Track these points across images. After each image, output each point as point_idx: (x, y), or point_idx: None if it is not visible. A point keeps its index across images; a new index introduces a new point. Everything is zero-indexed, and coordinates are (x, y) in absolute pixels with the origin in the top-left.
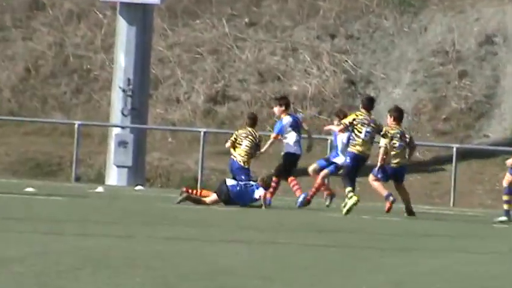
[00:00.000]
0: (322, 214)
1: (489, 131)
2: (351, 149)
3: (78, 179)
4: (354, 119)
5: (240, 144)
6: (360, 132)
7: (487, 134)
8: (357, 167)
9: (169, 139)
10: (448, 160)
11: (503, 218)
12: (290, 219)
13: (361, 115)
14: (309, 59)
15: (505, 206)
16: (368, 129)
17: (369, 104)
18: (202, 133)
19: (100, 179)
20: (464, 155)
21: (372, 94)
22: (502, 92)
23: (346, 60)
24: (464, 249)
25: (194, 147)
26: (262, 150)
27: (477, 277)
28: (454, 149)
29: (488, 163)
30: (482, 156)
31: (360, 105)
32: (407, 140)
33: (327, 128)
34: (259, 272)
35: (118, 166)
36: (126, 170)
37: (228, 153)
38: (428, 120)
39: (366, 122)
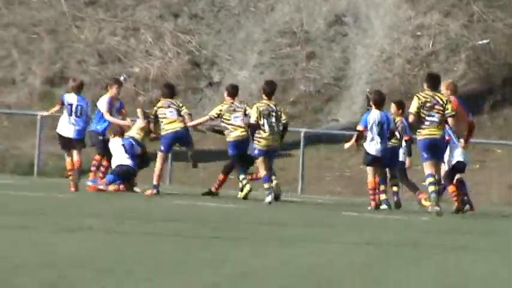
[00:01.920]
0: (166, 203)
1: (338, 115)
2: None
3: None
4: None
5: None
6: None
7: (336, 118)
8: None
9: (5, 123)
10: (295, 145)
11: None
12: (135, 207)
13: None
14: (151, 39)
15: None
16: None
17: (234, 91)
18: (39, 117)
19: None
20: (313, 139)
21: (217, 76)
22: (352, 74)
23: (190, 41)
24: (315, 239)
25: (31, 132)
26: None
27: (326, 268)
28: (302, 134)
29: (338, 148)
30: (331, 141)
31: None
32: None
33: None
34: (98, 263)
35: None
36: None
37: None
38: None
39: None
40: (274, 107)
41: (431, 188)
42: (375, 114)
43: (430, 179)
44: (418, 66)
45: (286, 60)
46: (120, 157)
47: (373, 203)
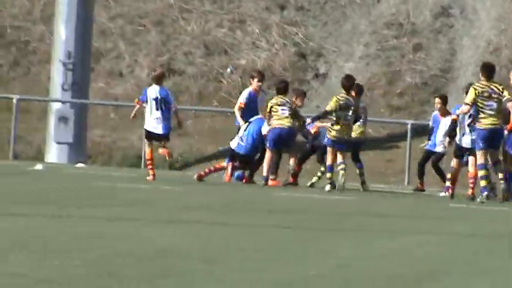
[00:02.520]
0: (274, 193)
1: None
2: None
3: (16, 156)
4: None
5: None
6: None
7: None
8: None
9: (112, 115)
10: (402, 137)
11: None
12: (239, 198)
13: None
14: (257, 31)
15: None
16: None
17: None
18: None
19: (39, 156)
20: (419, 131)
21: (323, 68)
22: (458, 66)
23: (297, 33)
24: (419, 231)
25: (138, 123)
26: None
27: (428, 260)
28: (409, 126)
29: None
30: None
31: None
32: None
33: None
34: (203, 254)
35: (58, 143)
36: (66, 146)
37: (171, 130)
38: (382, 95)
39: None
40: (352, 101)
41: (483, 183)
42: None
43: (483, 172)
44: None
45: (393, 52)
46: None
47: (471, 191)
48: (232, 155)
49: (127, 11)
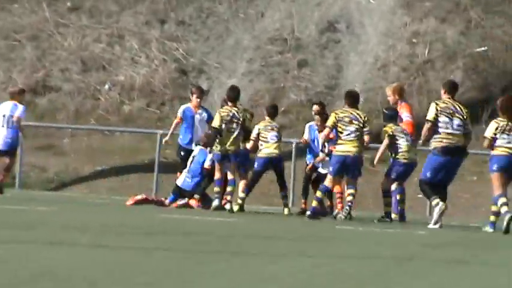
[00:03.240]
0: (156, 215)
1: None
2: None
3: None
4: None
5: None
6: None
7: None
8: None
9: None
10: (286, 156)
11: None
12: (118, 220)
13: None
14: (136, 46)
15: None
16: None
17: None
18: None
19: None
20: (304, 150)
21: (205, 84)
22: (345, 82)
23: (177, 48)
24: (303, 253)
25: None
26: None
27: (312, 285)
28: (293, 145)
29: None
30: None
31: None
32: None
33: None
34: (84, 276)
35: None
36: None
37: (46, 149)
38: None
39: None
40: (237, 114)
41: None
42: None
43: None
44: (413, 74)
45: (277, 68)
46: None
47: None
48: (177, 192)
49: (1, 26)
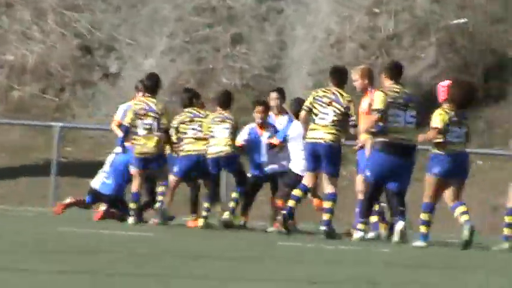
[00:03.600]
0: (53, 229)
1: None
2: None
3: None
4: None
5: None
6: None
7: None
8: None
9: None
10: None
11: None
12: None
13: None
14: (29, 18)
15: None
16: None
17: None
18: None
19: None
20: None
21: (115, 66)
22: (289, 63)
23: (79, 20)
24: (242, 276)
25: None
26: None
27: None
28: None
29: None
30: None
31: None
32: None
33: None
34: None
35: None
36: None
37: None
38: None
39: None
40: (154, 107)
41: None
42: None
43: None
44: (375, 52)
45: (205, 45)
46: None
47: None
48: (94, 196)
49: None
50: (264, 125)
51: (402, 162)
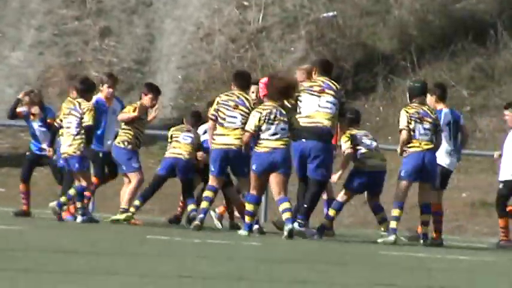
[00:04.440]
0: None
1: None
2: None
3: None
4: None
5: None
6: None
7: None
8: None
9: None
10: None
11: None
12: None
13: None
14: None
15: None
16: None
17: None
18: None
19: None
20: None
21: None
22: (158, 56)
23: None
24: (111, 271)
25: None
26: None
27: None
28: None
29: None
30: None
31: None
32: None
33: None
34: None
35: None
36: None
37: None
38: (59, 94)
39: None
40: (78, 107)
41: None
42: None
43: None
44: (244, 45)
45: (73, 38)
46: None
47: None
48: None
49: None
50: None
51: (315, 145)
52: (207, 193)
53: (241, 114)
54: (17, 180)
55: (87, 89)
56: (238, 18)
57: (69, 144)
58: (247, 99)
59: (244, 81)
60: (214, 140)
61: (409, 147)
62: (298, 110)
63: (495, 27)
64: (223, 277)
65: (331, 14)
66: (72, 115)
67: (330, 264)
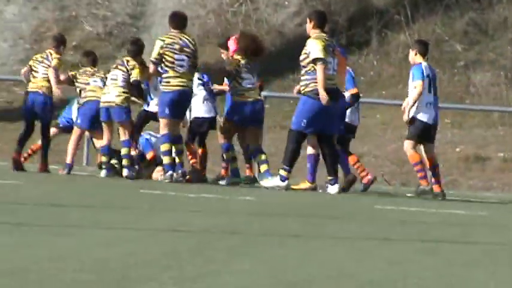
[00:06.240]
0: None
1: None
2: None
3: None
4: None
5: None
6: None
7: None
8: None
9: None
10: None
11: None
12: None
13: None
14: None
15: None
16: None
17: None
18: None
19: None
20: None
21: None
22: (153, 10)
23: None
24: (103, 225)
25: None
26: None
27: (116, 262)
28: None
29: None
30: None
31: None
32: None
33: None
34: None
35: None
36: None
37: None
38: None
39: None
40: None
41: (166, 160)
42: None
43: (166, 146)
44: (238, 0)
45: None
46: None
47: None
48: None
49: None
50: None
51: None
52: (166, 146)
53: (188, 56)
54: (11, 134)
55: (139, 49)
56: None
57: (116, 94)
58: (189, 40)
59: (180, 22)
60: (167, 83)
61: None
62: None
63: None
64: (217, 231)
65: None
66: (119, 69)
67: (324, 218)
